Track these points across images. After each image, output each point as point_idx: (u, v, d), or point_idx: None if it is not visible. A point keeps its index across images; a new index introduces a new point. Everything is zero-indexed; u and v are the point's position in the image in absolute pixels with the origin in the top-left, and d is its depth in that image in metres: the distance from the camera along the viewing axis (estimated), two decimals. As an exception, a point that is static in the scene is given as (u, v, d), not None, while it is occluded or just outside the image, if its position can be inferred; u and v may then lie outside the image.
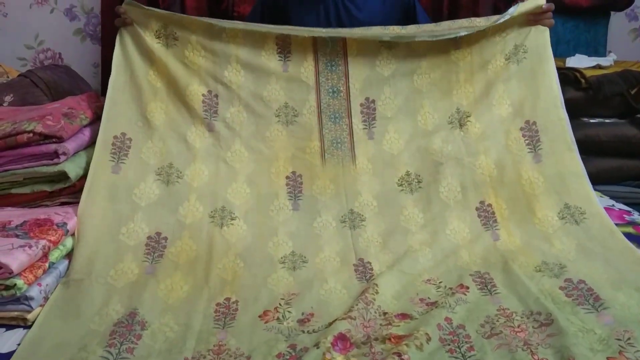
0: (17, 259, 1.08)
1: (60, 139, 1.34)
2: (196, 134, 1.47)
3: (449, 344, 1.00)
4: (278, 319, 1.11)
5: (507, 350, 0.97)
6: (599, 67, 2.03)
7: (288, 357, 0.99)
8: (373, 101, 1.52)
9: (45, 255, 1.18)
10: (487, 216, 1.39)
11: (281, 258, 1.30)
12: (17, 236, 1.17)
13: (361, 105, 1.52)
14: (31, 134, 1.32)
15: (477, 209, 1.41)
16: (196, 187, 1.42)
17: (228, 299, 1.18)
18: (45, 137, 1.34)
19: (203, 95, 1.49)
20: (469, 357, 0.98)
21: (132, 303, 1.14)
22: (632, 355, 0.93)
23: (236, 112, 1.50)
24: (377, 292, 1.16)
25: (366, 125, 1.51)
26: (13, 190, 1.36)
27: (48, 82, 1.78)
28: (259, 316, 1.13)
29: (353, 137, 1.50)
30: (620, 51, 2.29)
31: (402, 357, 0.95)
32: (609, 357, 0.93)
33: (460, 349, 0.99)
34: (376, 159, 1.48)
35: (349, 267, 1.29)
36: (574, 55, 2.16)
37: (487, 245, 1.33)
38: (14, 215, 1.27)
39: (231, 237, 1.34)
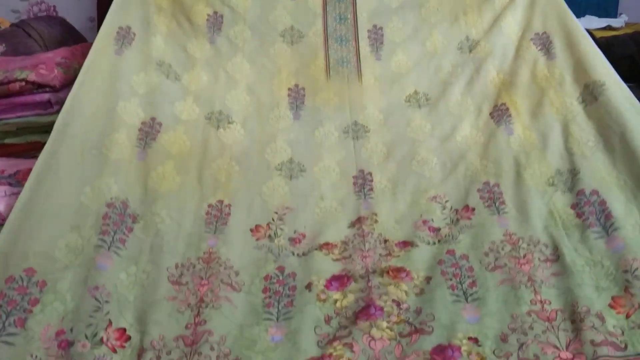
0: (9, 206, 1.06)
1: (53, 89, 1.30)
2: (197, 46, 1.43)
3: (451, 279, 0.98)
4: (270, 236, 1.10)
5: (510, 287, 0.95)
6: (609, 28, 1.97)
7: (275, 280, 0.99)
8: (381, 28, 1.49)
9: (39, 205, 1.15)
10: (500, 114, 1.31)
11: (278, 165, 1.25)
12: (10, 184, 1.14)
13: (369, 31, 1.49)
14: (23, 83, 1.28)
15: (490, 113, 1.33)
16: (193, 90, 1.36)
17: (220, 202, 1.15)
18: (39, 87, 1.30)
19: (208, 15, 1.47)
20: (471, 294, 0.95)
21: (122, 191, 1.09)
22: (637, 291, 0.91)
23: (240, 30, 1.47)
24: (376, 222, 1.13)
25: (373, 48, 1.48)
26: (7, 141, 1.33)
27: (42, 32, 1.73)
28: (251, 230, 1.11)
29: (359, 57, 1.46)
30: (631, 13, 2.22)
31: (402, 305, 0.93)
32: (614, 296, 0.91)
33: (462, 285, 0.97)
34: (383, 77, 1.43)
35: (348, 180, 1.24)
36: (584, 16, 2.09)
37: (500, 143, 1.24)
38: (7, 165, 1.24)
39: (227, 140, 1.29)
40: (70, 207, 1.02)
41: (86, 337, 0.84)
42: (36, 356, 0.82)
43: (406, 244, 1.07)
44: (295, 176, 1.24)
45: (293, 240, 1.08)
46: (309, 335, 0.88)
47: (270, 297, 0.96)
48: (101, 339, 0.84)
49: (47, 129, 1.31)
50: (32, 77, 1.28)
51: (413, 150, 1.28)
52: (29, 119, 1.30)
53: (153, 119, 1.26)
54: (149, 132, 1.23)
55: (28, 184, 1.03)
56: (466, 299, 0.95)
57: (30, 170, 1.19)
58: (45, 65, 1.32)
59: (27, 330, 0.85)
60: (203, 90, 1.37)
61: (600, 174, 1.12)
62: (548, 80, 1.33)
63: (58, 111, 1.28)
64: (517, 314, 0.90)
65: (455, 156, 1.25)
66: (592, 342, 0.83)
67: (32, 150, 1.34)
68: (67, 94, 1.32)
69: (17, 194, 1.10)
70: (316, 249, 1.05)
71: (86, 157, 1.11)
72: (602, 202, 1.07)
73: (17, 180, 1.17)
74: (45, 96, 1.30)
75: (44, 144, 1.32)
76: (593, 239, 1.02)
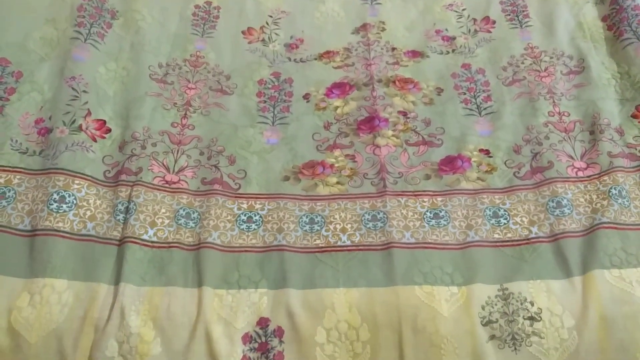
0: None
1: None
2: None
3: (465, 93, 0.90)
4: (263, 40, 1.01)
5: (528, 99, 0.87)
6: None
7: (270, 85, 0.93)
8: None
9: None
10: None
11: None
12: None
13: None
14: None
15: None
16: None
17: (209, 3, 1.05)
18: None
19: None
20: (485, 108, 0.88)
21: None
22: None
23: None
24: (383, 30, 1.02)
25: None
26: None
27: None
28: (242, 32, 1.02)
29: None
30: None
31: (408, 115, 0.86)
32: (638, 105, 0.84)
33: (475, 99, 0.89)
34: None
35: None
36: None
37: None
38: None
39: None
40: (44, 3, 0.96)
41: (64, 123, 0.81)
42: (16, 140, 0.79)
43: (416, 54, 0.97)
44: None
45: (289, 46, 0.99)
46: (307, 140, 0.83)
47: (265, 101, 0.89)
48: (79, 126, 0.80)
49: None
50: None
51: None
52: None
53: None
54: None
55: None
56: (479, 113, 0.87)
57: None
58: None
59: (4, 117, 0.82)
60: None
61: None
62: None
63: None
64: (533, 125, 0.83)
65: None
66: (609, 153, 0.77)
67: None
68: None
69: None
70: (315, 59, 0.96)
71: None
72: (637, 7, 0.96)
73: None
74: None
75: None
76: (621, 48, 0.93)
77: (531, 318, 0.62)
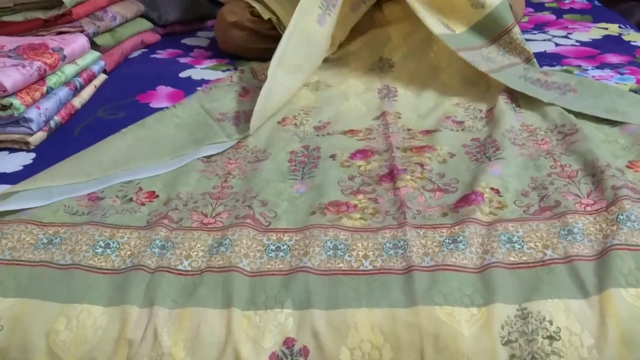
0: (10, 77, 1.02)
1: (47, -39, 1.24)
2: None
3: (475, 155, 0.97)
4: (295, 124, 1.13)
5: (529, 158, 0.94)
6: None
7: (300, 154, 1.01)
8: None
9: (42, 79, 1.12)
10: None
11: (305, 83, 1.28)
12: (9, 57, 1.10)
13: None
14: (17, -46, 1.21)
15: None
16: None
17: None
18: (33, -42, 1.23)
19: None
20: (494, 156, 0.94)
21: None
22: None
23: None
24: (399, 117, 1.14)
25: None
26: (5, 18, 1.28)
27: None
28: (278, 122, 1.14)
29: None
30: None
31: (425, 167, 0.93)
32: (630, 160, 0.90)
33: (486, 154, 0.96)
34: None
35: (373, 91, 1.27)
36: None
37: None
38: (7, 42, 1.19)
39: None
40: None
41: (117, 197, 0.88)
42: (69, 206, 0.85)
43: (429, 132, 1.07)
44: (321, 89, 1.28)
45: (318, 128, 1.11)
46: (333, 186, 0.89)
47: (295, 165, 0.97)
48: (131, 199, 0.87)
49: (46, 4, 1.28)
50: (25, -52, 1.21)
51: (435, 75, 1.31)
52: (25, -8, 1.24)
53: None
54: None
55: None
56: (489, 159, 0.94)
57: (30, 45, 1.16)
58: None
59: None
60: None
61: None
62: None
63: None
64: (537, 176, 0.89)
65: (479, 72, 1.23)
66: (613, 187, 0.80)
67: (33, 29, 1.30)
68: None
69: (18, 65, 1.07)
70: (340, 133, 1.08)
71: None
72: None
73: (17, 54, 1.12)
74: (40, -32, 1.23)
75: (45, 22, 1.30)
76: (607, 128, 1.03)
77: (550, 337, 0.63)
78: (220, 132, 1.06)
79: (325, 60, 1.37)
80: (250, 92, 1.24)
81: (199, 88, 1.29)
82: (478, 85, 1.25)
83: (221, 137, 1.04)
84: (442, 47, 1.33)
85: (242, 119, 1.12)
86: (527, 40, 1.35)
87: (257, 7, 1.47)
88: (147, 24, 1.65)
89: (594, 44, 1.54)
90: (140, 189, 0.90)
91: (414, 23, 1.35)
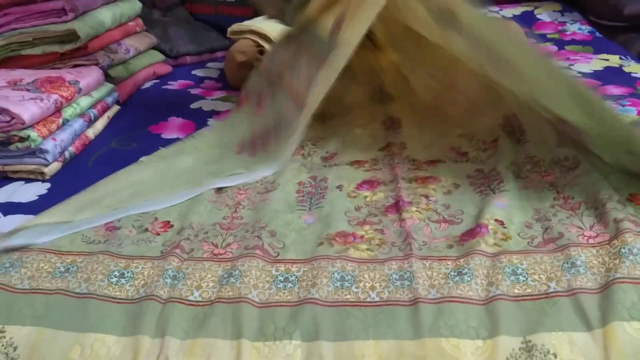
0: (28, 110, 1.06)
1: (67, -5, 1.29)
2: None
3: (480, 187, 0.99)
4: (303, 155, 1.15)
5: (532, 190, 0.96)
6: None
7: (308, 185, 1.04)
8: None
9: (59, 111, 1.15)
10: None
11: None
12: (27, 90, 1.14)
13: None
14: (36, -11, 1.27)
15: None
16: None
17: None
18: (52, -7, 1.29)
19: None
20: (499, 188, 0.96)
21: None
22: None
23: None
24: (405, 148, 1.17)
25: None
26: (23, 52, 1.33)
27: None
28: None
29: None
30: None
31: (430, 198, 0.95)
32: (631, 193, 0.90)
33: (490, 186, 0.98)
34: None
35: (378, 122, 1.30)
36: None
37: None
38: (26, 75, 1.24)
39: None
40: None
41: (133, 226, 0.90)
42: (86, 235, 0.87)
43: (434, 162, 1.09)
44: (328, 119, 1.29)
45: (325, 158, 1.14)
46: (340, 216, 0.91)
47: (303, 196, 1.00)
48: (146, 229, 0.90)
49: (63, 38, 1.32)
50: (44, -16, 1.26)
51: (438, 106, 1.31)
52: (44, 27, 1.29)
53: None
54: None
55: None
56: (493, 192, 0.96)
57: (47, 78, 1.21)
58: (56, -28, 1.30)
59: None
60: None
61: None
62: None
63: (72, 18, 1.29)
64: (540, 207, 0.91)
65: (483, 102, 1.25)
66: (615, 219, 0.82)
67: (50, 62, 1.34)
68: (82, 1, 1.32)
69: (35, 99, 1.11)
70: (347, 164, 1.10)
71: None
72: None
73: (35, 87, 1.16)
74: (59, 3, 1.29)
75: (61, 55, 1.34)
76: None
77: (555, 370, 0.64)
78: (237, 164, 1.08)
79: None
80: (263, 97, 1.25)
81: (209, 119, 1.33)
82: (482, 115, 1.28)
83: (238, 169, 1.07)
84: (444, 77, 1.33)
85: (260, 145, 1.14)
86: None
87: (266, 46, 1.51)
88: (160, 56, 1.70)
89: (595, 75, 1.57)
90: (156, 218, 0.92)
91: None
